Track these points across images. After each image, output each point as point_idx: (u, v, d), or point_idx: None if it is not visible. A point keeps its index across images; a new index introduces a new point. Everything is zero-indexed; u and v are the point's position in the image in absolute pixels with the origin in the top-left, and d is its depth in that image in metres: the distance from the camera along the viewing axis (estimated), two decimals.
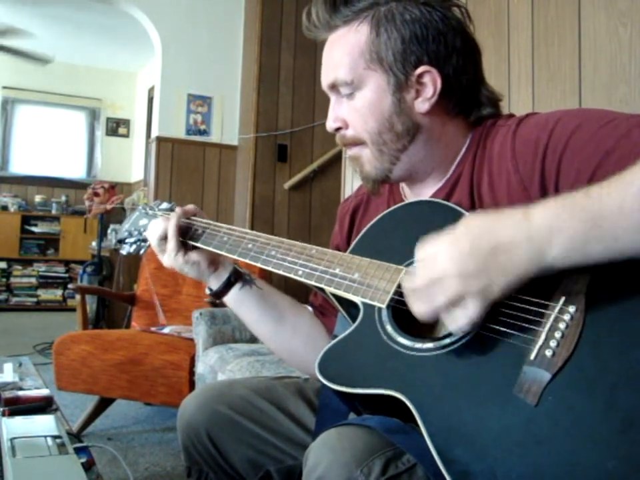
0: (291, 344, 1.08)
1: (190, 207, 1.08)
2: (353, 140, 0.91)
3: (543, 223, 0.64)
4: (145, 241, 1.13)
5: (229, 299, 1.07)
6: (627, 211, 0.61)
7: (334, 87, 0.90)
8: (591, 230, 0.63)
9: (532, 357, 0.67)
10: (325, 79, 0.91)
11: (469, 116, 0.91)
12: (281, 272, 0.92)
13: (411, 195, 0.97)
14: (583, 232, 0.63)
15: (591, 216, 0.63)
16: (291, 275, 0.91)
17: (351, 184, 2.65)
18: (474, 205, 0.85)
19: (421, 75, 0.86)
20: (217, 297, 1.07)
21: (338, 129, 0.92)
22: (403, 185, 0.99)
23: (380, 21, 0.86)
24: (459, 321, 0.68)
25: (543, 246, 0.64)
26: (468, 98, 0.90)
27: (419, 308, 0.70)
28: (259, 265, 0.95)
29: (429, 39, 0.85)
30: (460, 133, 0.91)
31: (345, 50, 0.88)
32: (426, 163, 0.91)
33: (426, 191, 0.93)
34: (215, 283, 1.06)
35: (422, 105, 0.87)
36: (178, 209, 1.06)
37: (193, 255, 1.03)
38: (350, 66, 0.87)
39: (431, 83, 0.86)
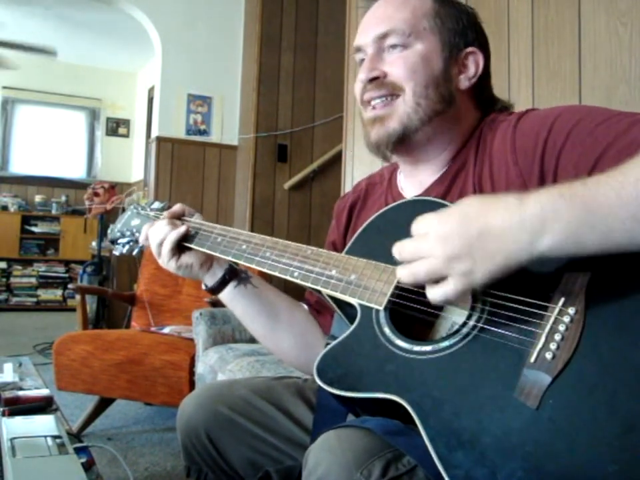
0: (284, 343, 1.08)
1: (176, 207, 1.06)
2: (391, 86, 0.90)
3: (536, 210, 0.63)
4: (137, 241, 1.12)
5: (223, 296, 1.07)
6: (625, 199, 0.60)
7: (384, 37, 0.91)
8: (587, 218, 0.61)
9: (532, 359, 0.66)
10: (374, 30, 0.92)
11: (483, 114, 0.94)
12: (276, 274, 0.91)
13: (409, 185, 0.98)
14: (577, 220, 0.62)
15: (587, 203, 0.62)
16: (287, 277, 0.90)
17: (351, 184, 2.65)
18: None
19: (466, 56, 0.92)
20: (213, 293, 1.08)
21: (374, 79, 0.91)
22: (400, 178, 1.00)
23: (443, 0, 0.94)
24: (436, 294, 0.69)
25: (535, 233, 0.63)
26: (490, 97, 0.96)
27: (402, 274, 0.71)
28: (253, 266, 0.94)
29: (476, 28, 0.95)
30: (472, 126, 0.93)
31: (407, 7, 0.92)
32: (435, 144, 0.92)
33: (424, 179, 0.94)
34: (210, 281, 1.07)
35: (464, 81, 0.93)
36: (167, 216, 1.04)
37: (185, 259, 1.02)
38: (411, 21, 0.91)
39: (474, 64, 0.93)
